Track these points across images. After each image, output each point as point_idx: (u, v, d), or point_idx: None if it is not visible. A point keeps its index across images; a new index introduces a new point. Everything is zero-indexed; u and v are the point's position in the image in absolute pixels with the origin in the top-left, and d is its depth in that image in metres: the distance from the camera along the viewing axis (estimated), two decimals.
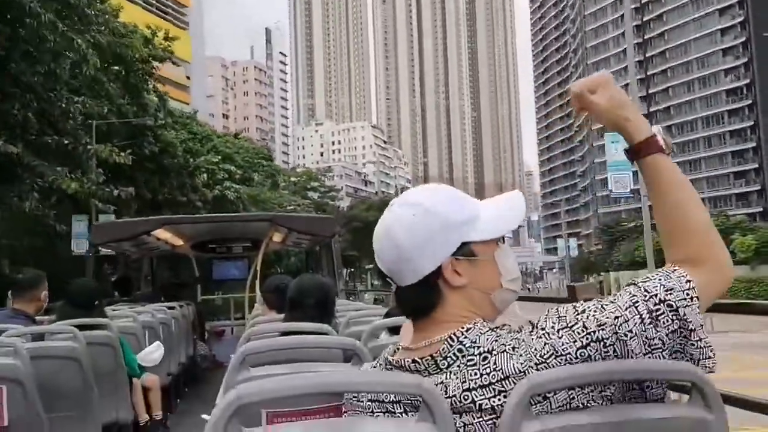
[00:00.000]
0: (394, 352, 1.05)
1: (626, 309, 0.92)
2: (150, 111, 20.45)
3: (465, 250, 1.00)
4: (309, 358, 1.89)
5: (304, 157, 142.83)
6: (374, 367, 1.09)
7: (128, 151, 14.68)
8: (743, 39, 71.72)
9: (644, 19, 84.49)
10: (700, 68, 77.01)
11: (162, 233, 7.50)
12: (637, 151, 1.04)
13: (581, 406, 0.90)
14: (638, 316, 0.92)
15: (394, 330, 2.18)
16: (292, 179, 62.80)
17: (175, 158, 22.34)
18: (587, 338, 0.91)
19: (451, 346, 0.96)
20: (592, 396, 0.91)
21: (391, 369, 1.01)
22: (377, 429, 0.93)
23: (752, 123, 71.27)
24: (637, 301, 0.93)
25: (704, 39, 76.29)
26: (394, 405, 0.97)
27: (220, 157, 28.10)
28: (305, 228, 7.73)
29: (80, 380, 3.16)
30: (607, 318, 0.92)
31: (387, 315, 2.60)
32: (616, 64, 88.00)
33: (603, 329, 0.91)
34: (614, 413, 0.89)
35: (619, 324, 0.91)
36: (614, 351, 0.91)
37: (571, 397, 0.90)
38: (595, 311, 0.94)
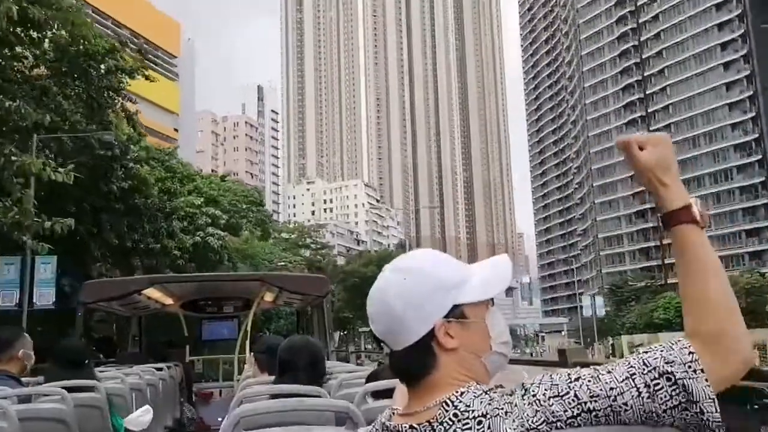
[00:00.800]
0: (390, 416, 1.05)
1: (622, 381, 0.92)
2: (120, 137, 16.81)
3: (456, 313, 1.02)
4: (301, 421, 1.90)
5: (295, 215, 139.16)
6: (374, 429, 1.06)
7: (70, 167, 10.61)
8: (750, 93, 70.14)
9: (645, 75, 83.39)
10: (706, 123, 75.16)
11: (152, 292, 7.36)
12: (667, 220, 1.03)
13: None
14: (635, 388, 0.92)
15: (378, 394, 2.13)
16: (284, 235, 59.24)
17: (150, 198, 18.66)
18: (578, 408, 0.92)
19: (447, 410, 0.97)
20: None
21: None
22: None
23: (763, 179, 68.74)
24: (634, 373, 0.93)
25: (709, 93, 74.76)
26: None
27: (202, 199, 24.47)
28: (297, 287, 7.71)
29: None
30: (602, 390, 0.92)
31: (370, 377, 2.51)
32: (615, 120, 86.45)
33: (596, 401, 0.92)
34: None
35: (614, 396, 0.91)
36: (606, 422, 0.92)
37: None
38: (589, 381, 0.94)
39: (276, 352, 2.67)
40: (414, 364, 1.01)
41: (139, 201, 18.14)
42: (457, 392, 0.98)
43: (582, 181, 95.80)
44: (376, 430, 1.05)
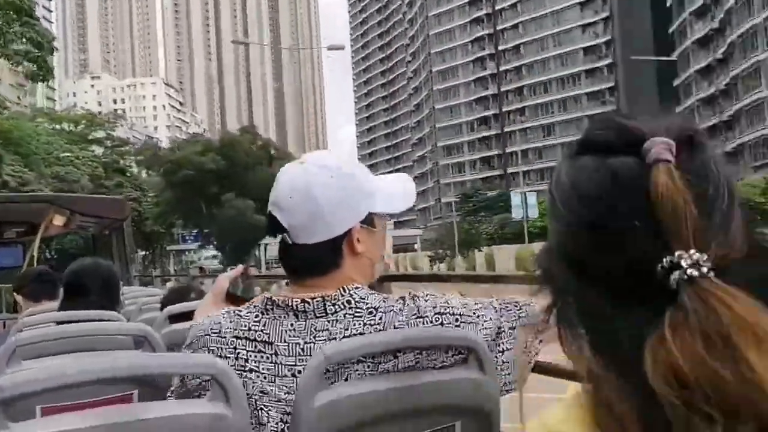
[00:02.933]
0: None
1: (484, 303, 1.11)
2: None
3: (368, 220, 1.07)
4: (94, 349, 1.76)
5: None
6: (250, 310, 1.06)
7: None
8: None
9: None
10: (555, 24, 70.89)
11: None
12: None
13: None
14: (493, 308, 1.11)
15: (175, 319, 1.99)
16: (66, 125, 43.43)
17: None
18: (445, 309, 1.06)
19: (342, 296, 1.02)
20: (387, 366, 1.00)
21: (272, 308, 1.03)
22: (162, 412, 0.92)
23: (611, 84, 66.73)
24: (492, 300, 1.13)
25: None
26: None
27: None
28: (92, 210, 7.40)
29: None
30: (470, 305, 1.09)
31: (164, 301, 2.40)
32: (460, 18, 79.27)
33: (465, 307, 1.08)
34: (402, 379, 0.98)
35: (477, 309, 1.09)
36: (466, 327, 1.06)
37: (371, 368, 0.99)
38: (461, 299, 1.11)
39: (46, 279, 2.75)
40: (321, 259, 1.04)
41: None
42: (352, 286, 1.03)
43: (420, 86, 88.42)
44: (257, 306, 1.05)
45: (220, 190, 43.16)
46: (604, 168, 0.52)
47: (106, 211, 7.55)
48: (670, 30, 57.33)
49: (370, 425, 0.96)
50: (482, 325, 1.08)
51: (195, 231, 49.79)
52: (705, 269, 0.48)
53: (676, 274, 0.48)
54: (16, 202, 7.74)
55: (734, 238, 0.50)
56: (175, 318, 2.04)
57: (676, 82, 56.00)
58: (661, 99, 64.33)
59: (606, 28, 67.44)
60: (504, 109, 75.50)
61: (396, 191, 1.15)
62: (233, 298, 1.32)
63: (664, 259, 0.48)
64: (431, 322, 1.04)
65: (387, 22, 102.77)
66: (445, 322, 1.04)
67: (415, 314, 1.03)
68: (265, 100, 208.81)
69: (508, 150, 74.74)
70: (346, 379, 0.98)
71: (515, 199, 39.97)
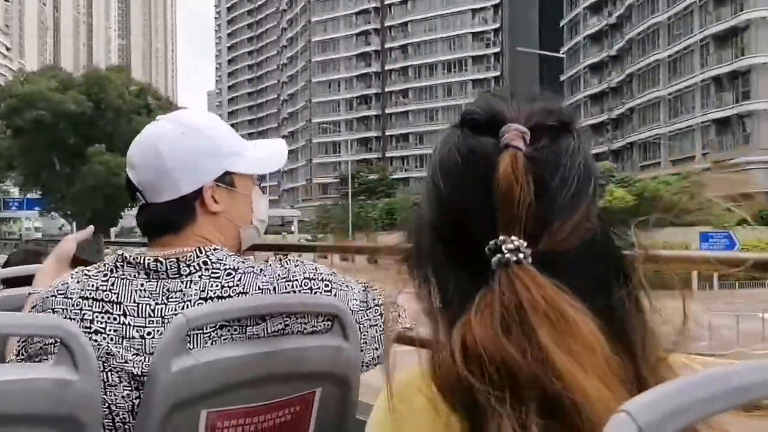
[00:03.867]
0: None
1: (353, 281, 1.11)
2: None
3: (226, 179, 1.04)
4: None
5: None
6: (99, 269, 1.00)
7: None
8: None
9: None
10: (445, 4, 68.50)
11: None
12: None
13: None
14: (362, 286, 1.10)
15: (10, 283, 1.76)
16: None
17: None
18: (313, 274, 1.03)
19: (198, 256, 0.98)
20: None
21: (123, 265, 0.98)
22: (2, 375, 0.85)
23: (498, 73, 65.77)
24: (361, 283, 1.12)
25: None
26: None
27: None
28: None
29: None
30: (338, 276, 1.08)
31: (5, 264, 2.15)
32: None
33: (334, 275, 1.06)
34: (262, 345, 0.96)
35: (346, 279, 1.08)
36: (336, 292, 1.05)
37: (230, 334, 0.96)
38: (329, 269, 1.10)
39: None
40: (173, 217, 1.01)
41: None
42: (209, 247, 0.99)
43: (296, 56, 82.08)
44: (107, 265, 1.00)
45: (83, 141, 34.50)
46: (465, 145, 0.55)
47: None
48: (561, 23, 57.12)
49: (229, 391, 0.94)
50: (351, 294, 1.06)
51: (31, 194, 40.19)
52: (522, 256, 0.50)
53: (496, 258, 0.50)
54: None
55: (572, 230, 0.51)
56: (9, 283, 1.78)
57: (563, 77, 55.82)
58: (546, 92, 64.45)
59: (495, 15, 66.20)
60: (387, 89, 71.95)
61: (263, 154, 1.11)
62: (80, 262, 1.19)
63: (491, 242, 0.51)
64: (301, 286, 1.01)
65: None
66: (314, 287, 1.02)
67: (285, 277, 1.01)
68: (108, 52, 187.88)
69: (388, 132, 71.37)
70: (207, 344, 0.94)
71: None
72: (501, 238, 0.50)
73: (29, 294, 1.12)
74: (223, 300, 0.96)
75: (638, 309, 0.52)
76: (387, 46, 71.93)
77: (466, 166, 0.54)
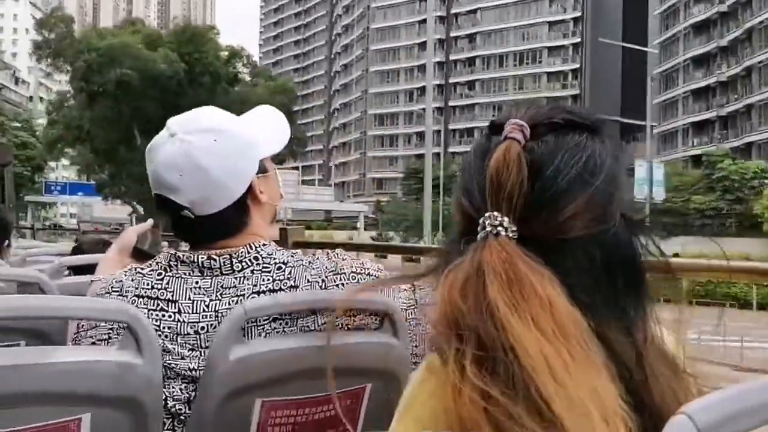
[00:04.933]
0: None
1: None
2: None
3: (261, 167, 1.06)
4: None
5: None
6: (153, 268, 1.03)
7: None
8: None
9: None
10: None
11: None
12: None
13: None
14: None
15: (79, 270, 1.85)
16: None
17: None
18: (360, 269, 1.06)
19: (249, 252, 1.01)
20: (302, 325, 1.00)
21: (177, 264, 1.01)
22: (69, 357, 0.89)
23: (576, 66, 61.06)
24: None
25: None
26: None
27: None
28: None
29: None
30: (385, 273, 1.07)
31: (74, 251, 2.27)
32: None
33: (380, 271, 1.07)
34: (316, 338, 0.98)
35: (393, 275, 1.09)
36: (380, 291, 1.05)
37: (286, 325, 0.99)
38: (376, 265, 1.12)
39: None
40: (230, 223, 1.02)
41: None
42: (259, 243, 1.02)
43: (351, 44, 78.26)
44: (160, 263, 1.02)
45: (169, 112, 29.50)
46: (479, 144, 0.63)
47: None
48: (656, 12, 52.38)
49: (283, 381, 0.97)
50: (398, 292, 1.07)
51: (94, 176, 35.99)
52: (502, 231, 0.54)
53: (482, 232, 0.55)
54: None
55: (567, 220, 0.55)
56: (76, 270, 1.88)
57: (656, 70, 51.07)
58: (629, 87, 59.93)
59: (576, 3, 61.54)
60: (451, 81, 67.78)
61: (271, 128, 1.12)
62: (140, 253, 1.25)
63: (480, 219, 0.56)
64: (348, 279, 1.03)
65: None
66: (362, 281, 1.04)
67: (333, 270, 1.03)
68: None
69: (451, 127, 67.15)
70: (260, 335, 0.97)
71: (639, 170, 27.76)
72: (487, 214, 0.56)
73: (91, 282, 1.13)
74: (274, 293, 0.98)
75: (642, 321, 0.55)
76: (453, 34, 67.76)
77: (474, 158, 0.61)
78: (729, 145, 42.53)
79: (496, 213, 0.55)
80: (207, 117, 1.05)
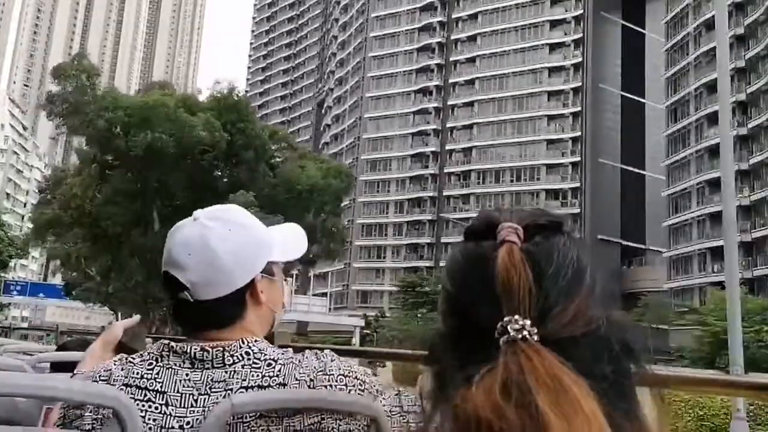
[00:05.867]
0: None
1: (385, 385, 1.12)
2: None
3: (267, 269, 1.09)
4: None
5: None
6: (144, 358, 1.04)
7: None
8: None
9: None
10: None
11: None
12: None
13: None
14: (393, 389, 1.12)
15: (58, 368, 1.88)
16: None
17: None
18: (348, 372, 1.05)
19: (241, 347, 1.02)
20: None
21: (169, 354, 1.02)
22: None
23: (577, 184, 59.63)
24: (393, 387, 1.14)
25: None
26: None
27: None
28: None
29: None
30: (372, 378, 1.08)
31: (60, 348, 2.37)
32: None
33: (367, 375, 1.08)
34: None
35: (378, 381, 1.09)
36: (368, 394, 1.06)
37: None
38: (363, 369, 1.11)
39: None
40: (224, 313, 1.04)
41: None
42: (251, 338, 1.04)
43: (345, 95, 76.35)
44: (152, 353, 1.03)
45: (192, 191, 23.31)
46: (467, 250, 0.61)
47: None
48: (664, 133, 51.69)
49: None
50: (383, 398, 1.08)
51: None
52: (527, 333, 0.53)
53: (504, 338, 0.54)
54: None
55: (575, 316, 0.56)
56: (56, 368, 1.91)
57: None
58: (629, 209, 58.12)
59: (575, 123, 61.06)
60: (444, 195, 65.57)
61: (289, 238, 1.17)
62: (125, 348, 1.25)
63: (498, 324, 0.54)
64: (336, 381, 1.03)
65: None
66: (349, 384, 1.04)
67: (321, 371, 1.03)
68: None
69: (443, 240, 64.00)
70: None
71: None
72: (506, 319, 0.54)
73: (73, 374, 1.12)
74: (263, 389, 0.98)
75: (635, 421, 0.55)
76: (448, 147, 66.46)
77: (469, 266, 0.60)
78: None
79: (517, 317, 0.54)
80: (232, 211, 1.10)
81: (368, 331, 47.09)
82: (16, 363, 1.47)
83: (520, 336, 0.53)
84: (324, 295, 71.12)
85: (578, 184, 59.33)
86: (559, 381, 0.51)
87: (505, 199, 60.80)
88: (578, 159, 59.78)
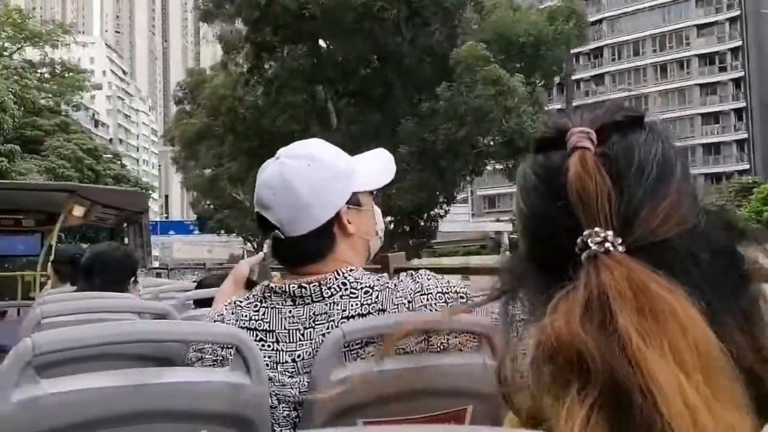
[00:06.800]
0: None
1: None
2: None
3: (353, 200, 1.10)
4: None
5: None
6: (250, 301, 1.09)
7: None
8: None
9: None
10: None
11: None
12: None
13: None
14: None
15: (201, 303, 2.08)
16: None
17: None
18: (446, 288, 1.07)
19: (336, 278, 1.05)
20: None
21: (271, 295, 1.06)
22: (183, 377, 0.97)
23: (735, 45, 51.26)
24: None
25: None
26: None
27: None
28: (113, 202, 7.74)
29: None
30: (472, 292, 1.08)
31: (199, 285, 2.50)
32: None
33: (467, 289, 1.09)
34: (415, 360, 1.00)
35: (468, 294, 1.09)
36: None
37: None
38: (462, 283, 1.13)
39: (79, 263, 2.63)
40: (314, 248, 1.07)
41: None
42: (346, 268, 1.06)
43: None
44: (256, 295, 1.08)
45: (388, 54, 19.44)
46: (537, 164, 0.57)
47: (126, 204, 8.06)
48: None
49: (383, 402, 0.99)
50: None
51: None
52: (610, 246, 0.49)
53: (585, 253, 0.50)
54: (37, 190, 8.27)
55: (665, 217, 0.51)
56: (199, 303, 2.09)
57: None
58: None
59: None
60: (573, 77, 58.95)
61: (374, 166, 1.17)
62: (253, 284, 1.31)
63: (578, 240, 0.50)
64: (435, 299, 1.04)
65: None
66: (449, 300, 1.05)
67: (419, 291, 1.05)
68: None
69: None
70: (355, 360, 1.00)
71: None
72: (586, 232, 0.50)
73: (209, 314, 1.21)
74: (363, 317, 1.01)
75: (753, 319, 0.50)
76: None
77: (541, 181, 0.55)
78: None
79: (597, 229, 0.50)
80: (310, 145, 1.12)
81: (515, 236, 43.45)
82: (162, 306, 1.65)
83: (602, 249, 0.49)
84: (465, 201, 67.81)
85: (739, 43, 50.88)
86: (648, 293, 0.46)
87: (648, 74, 53.98)
88: (737, 13, 51.00)
